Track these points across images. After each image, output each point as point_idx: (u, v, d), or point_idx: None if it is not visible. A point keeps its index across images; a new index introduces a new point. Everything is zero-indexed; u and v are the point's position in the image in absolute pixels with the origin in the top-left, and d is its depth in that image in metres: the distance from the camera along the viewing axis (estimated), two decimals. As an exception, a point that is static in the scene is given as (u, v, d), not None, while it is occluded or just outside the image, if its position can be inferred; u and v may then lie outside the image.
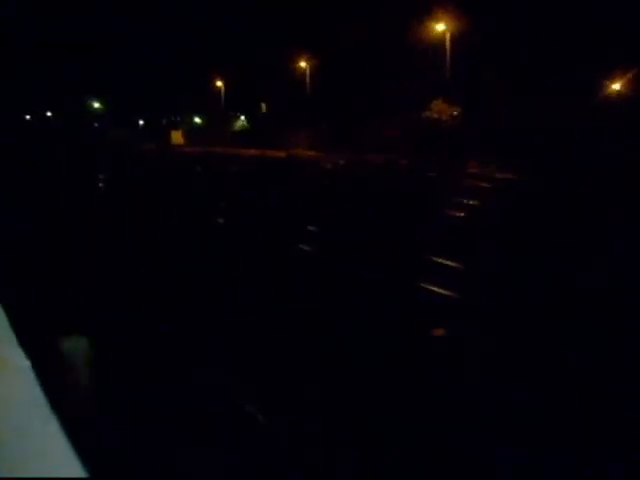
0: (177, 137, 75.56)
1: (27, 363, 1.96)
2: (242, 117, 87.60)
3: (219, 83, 60.12)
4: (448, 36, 35.69)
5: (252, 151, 47.22)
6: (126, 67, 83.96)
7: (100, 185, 32.20)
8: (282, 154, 44.44)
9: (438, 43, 35.29)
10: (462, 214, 18.17)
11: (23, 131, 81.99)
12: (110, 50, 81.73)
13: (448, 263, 12.40)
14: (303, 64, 44.71)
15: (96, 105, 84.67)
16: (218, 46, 59.38)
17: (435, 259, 12.87)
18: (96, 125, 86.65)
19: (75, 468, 1.41)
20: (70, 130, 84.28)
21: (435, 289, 10.86)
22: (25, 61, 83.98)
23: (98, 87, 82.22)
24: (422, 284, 11.17)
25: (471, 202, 19.41)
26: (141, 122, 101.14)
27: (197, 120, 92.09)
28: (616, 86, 30.64)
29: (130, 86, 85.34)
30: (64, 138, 77.56)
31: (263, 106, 45.40)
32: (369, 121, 41.47)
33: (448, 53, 35.26)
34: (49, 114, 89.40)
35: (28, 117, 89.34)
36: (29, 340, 2.25)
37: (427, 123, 32.61)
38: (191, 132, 78.00)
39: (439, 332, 8.82)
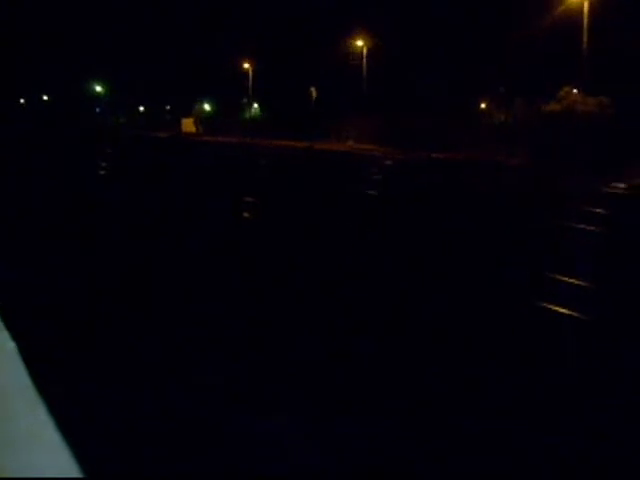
0: (189, 125, 69.69)
1: (12, 344, 2.09)
2: (255, 105, 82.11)
3: (246, 65, 53.83)
4: (586, 6, 27.21)
5: (292, 143, 41.75)
6: (131, 47, 77.61)
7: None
8: (335, 146, 39.05)
9: (565, 18, 28.60)
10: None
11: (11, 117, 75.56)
12: (113, 28, 75.25)
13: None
14: (359, 43, 38.75)
15: (98, 89, 78.10)
16: (246, 25, 53.46)
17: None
18: (98, 110, 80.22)
19: (62, 451, 1.45)
20: (68, 114, 77.93)
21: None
22: (19, 39, 77.25)
23: (100, 70, 75.71)
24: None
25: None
26: (141, 108, 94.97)
27: (206, 107, 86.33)
28: None
29: (135, 69, 79.09)
30: (60, 124, 71.51)
31: (313, 91, 39.62)
32: (431, 114, 36.29)
33: (585, 27, 27.11)
34: (45, 98, 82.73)
35: (22, 101, 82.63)
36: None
37: (552, 116, 26.47)
38: (202, 120, 72.19)
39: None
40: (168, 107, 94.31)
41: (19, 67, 77.93)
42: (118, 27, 78.25)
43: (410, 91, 36.96)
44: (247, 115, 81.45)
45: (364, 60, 38.64)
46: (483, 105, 36.41)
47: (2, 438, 1.53)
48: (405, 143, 37.06)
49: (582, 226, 13.76)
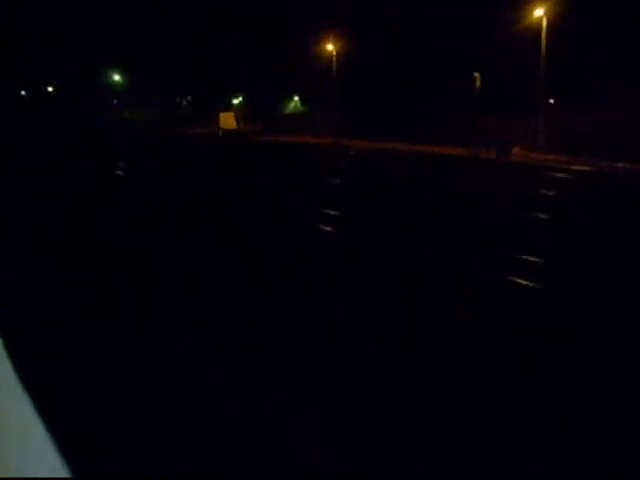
0: (228, 121, 58.91)
1: None
2: (296, 98, 71.34)
3: (330, 47, 42.77)
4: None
5: (428, 148, 31.46)
6: (156, 28, 66.49)
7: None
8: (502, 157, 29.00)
9: None
10: None
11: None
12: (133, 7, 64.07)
13: None
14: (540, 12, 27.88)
15: (116, 78, 66.82)
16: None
17: None
18: (115, 102, 69.00)
19: (50, 450, 1.45)
20: (77, 110, 66.77)
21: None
22: (21, 19, 65.65)
23: (119, 55, 64.41)
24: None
25: None
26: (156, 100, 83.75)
27: (236, 100, 75.29)
28: None
29: (156, 55, 67.96)
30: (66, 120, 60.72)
31: (477, 78, 29.19)
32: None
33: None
34: (50, 89, 71.21)
35: (23, 93, 71.06)
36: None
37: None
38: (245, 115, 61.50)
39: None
40: (188, 98, 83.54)
41: (19, 54, 66.39)
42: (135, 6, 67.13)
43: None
44: (286, 110, 71.05)
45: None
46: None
47: None
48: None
49: None
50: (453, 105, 31.17)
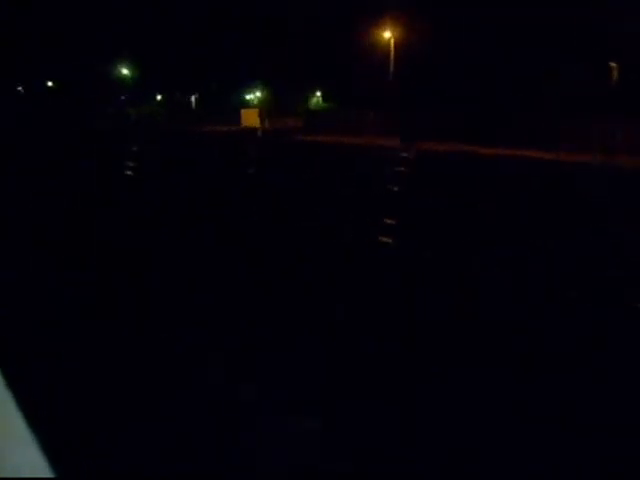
0: (251, 118, 54.31)
1: None
2: (318, 93, 66.75)
3: (387, 34, 37.79)
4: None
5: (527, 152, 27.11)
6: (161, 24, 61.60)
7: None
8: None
9: None
10: None
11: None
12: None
13: None
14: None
15: (124, 72, 61.63)
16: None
17: None
18: (122, 98, 63.73)
19: (34, 449, 1.42)
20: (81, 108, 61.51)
21: None
22: (19, 11, 60.28)
23: (128, 46, 59.25)
24: None
25: None
26: (158, 97, 78.46)
27: (249, 96, 70.39)
28: None
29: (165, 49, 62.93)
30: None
31: (614, 68, 24.47)
32: None
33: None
34: (50, 84, 65.68)
35: (20, 89, 65.40)
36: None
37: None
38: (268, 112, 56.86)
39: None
40: (194, 97, 78.36)
41: (16, 47, 61.03)
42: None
43: None
44: (308, 106, 66.38)
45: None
46: None
47: None
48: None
49: None
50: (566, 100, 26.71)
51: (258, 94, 64.57)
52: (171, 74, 68.07)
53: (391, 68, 36.93)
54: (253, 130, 51.45)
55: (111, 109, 64.23)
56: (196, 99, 74.94)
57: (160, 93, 76.41)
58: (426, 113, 34.18)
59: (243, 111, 54.61)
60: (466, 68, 32.17)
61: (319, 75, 57.39)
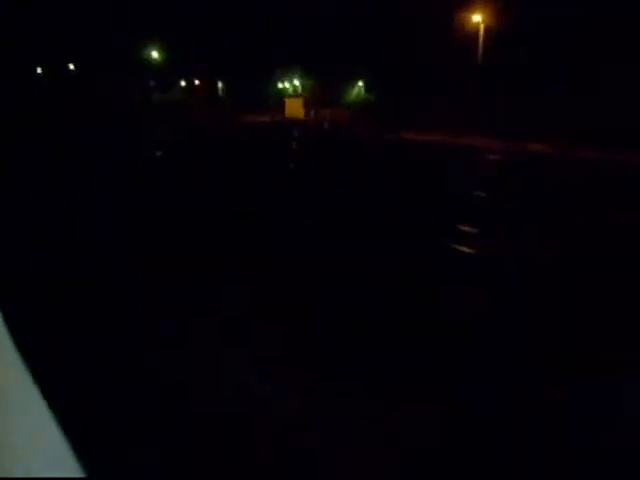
0: (295, 108, 50.15)
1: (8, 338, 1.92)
2: (360, 83, 62.18)
3: (476, 18, 33.05)
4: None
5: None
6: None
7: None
8: None
9: None
10: None
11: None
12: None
13: None
14: None
15: (154, 55, 56.97)
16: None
17: None
18: (152, 84, 59.15)
19: (63, 449, 1.41)
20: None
21: None
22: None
23: (157, 27, 54.58)
24: None
25: None
26: (182, 83, 73.76)
27: (285, 84, 65.77)
28: None
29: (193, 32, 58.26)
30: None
31: None
32: None
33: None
34: (72, 67, 60.90)
35: (39, 71, 60.61)
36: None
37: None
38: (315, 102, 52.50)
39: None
40: (221, 83, 73.71)
41: (35, 23, 56.35)
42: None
43: None
44: (349, 98, 61.96)
45: None
46: None
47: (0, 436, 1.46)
48: None
49: None
50: None
51: (296, 82, 59.95)
52: (199, 59, 63.53)
53: (479, 54, 32.54)
54: (302, 122, 47.13)
55: (138, 95, 59.73)
56: (223, 86, 70.35)
57: (185, 79, 71.89)
58: (531, 107, 29.99)
59: (287, 100, 50.30)
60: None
61: (369, 63, 52.97)
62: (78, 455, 1.38)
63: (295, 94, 59.27)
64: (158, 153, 22.29)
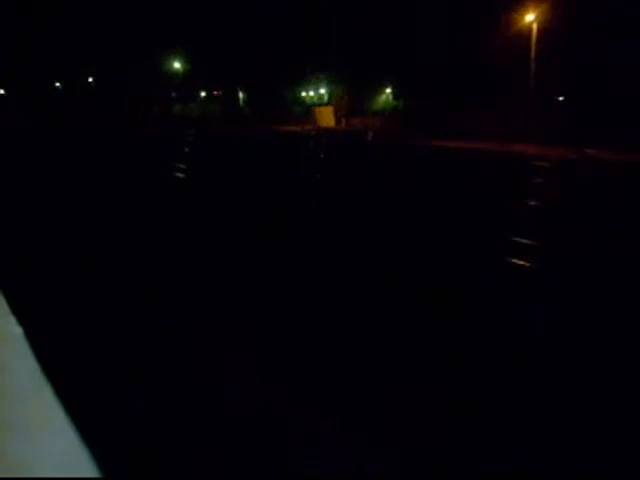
0: (326, 116, 48.15)
1: (19, 330, 1.92)
2: (388, 90, 60.00)
3: (529, 17, 30.74)
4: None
5: None
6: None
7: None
8: None
9: None
10: None
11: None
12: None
13: None
14: None
15: (176, 65, 55.14)
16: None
17: None
18: (174, 95, 57.37)
19: (72, 439, 1.40)
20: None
21: None
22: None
23: (174, 34, 52.75)
24: None
25: None
26: (203, 94, 71.97)
27: (309, 93, 63.80)
28: None
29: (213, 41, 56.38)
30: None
31: None
32: None
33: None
34: (90, 80, 59.25)
35: (58, 84, 59.03)
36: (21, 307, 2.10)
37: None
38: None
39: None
40: (241, 93, 71.86)
41: (56, 36, 54.92)
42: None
43: None
44: (376, 105, 59.85)
45: None
46: None
47: (10, 425, 1.45)
48: None
49: None
50: None
51: (322, 90, 57.87)
52: (222, 68, 61.64)
53: (532, 58, 30.22)
54: (334, 131, 45.04)
55: (157, 107, 57.96)
56: (244, 96, 68.46)
57: (205, 90, 70.10)
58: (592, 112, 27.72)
59: (316, 109, 48.21)
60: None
61: (397, 69, 50.91)
62: (92, 455, 1.33)
63: (320, 103, 57.25)
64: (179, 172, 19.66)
